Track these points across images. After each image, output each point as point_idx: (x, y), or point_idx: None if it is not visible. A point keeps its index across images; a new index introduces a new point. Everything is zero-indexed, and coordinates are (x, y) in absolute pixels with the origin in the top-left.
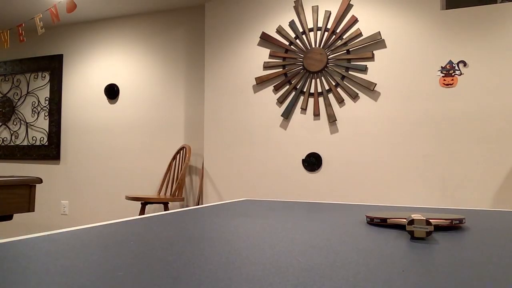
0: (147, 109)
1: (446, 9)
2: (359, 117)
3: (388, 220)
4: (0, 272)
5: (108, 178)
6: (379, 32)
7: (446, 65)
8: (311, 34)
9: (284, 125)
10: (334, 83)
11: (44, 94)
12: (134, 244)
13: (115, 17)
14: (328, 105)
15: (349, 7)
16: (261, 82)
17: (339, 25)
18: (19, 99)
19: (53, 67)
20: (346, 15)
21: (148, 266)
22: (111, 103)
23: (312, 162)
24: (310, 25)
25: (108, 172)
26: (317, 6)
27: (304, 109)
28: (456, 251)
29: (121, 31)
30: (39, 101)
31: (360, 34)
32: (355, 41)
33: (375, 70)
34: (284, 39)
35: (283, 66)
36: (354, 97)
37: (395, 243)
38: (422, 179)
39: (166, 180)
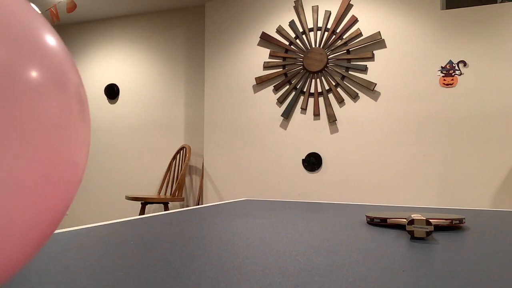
0: (147, 109)
1: (446, 9)
2: (359, 117)
3: (388, 220)
4: None
5: (108, 178)
6: (379, 32)
7: (446, 65)
8: (311, 34)
9: (284, 125)
10: (334, 83)
11: None
12: (134, 244)
13: (115, 17)
14: (328, 105)
15: (349, 7)
16: (261, 82)
17: (339, 25)
18: None
19: None
20: (346, 15)
21: (148, 266)
22: (111, 103)
23: (312, 162)
24: (310, 25)
25: (108, 172)
26: (317, 6)
27: (304, 109)
28: (456, 251)
29: (121, 31)
30: None
31: (360, 34)
32: (355, 41)
33: (375, 70)
34: (284, 39)
35: (283, 66)
36: (354, 97)
37: (395, 243)
38: (422, 179)
39: (166, 180)
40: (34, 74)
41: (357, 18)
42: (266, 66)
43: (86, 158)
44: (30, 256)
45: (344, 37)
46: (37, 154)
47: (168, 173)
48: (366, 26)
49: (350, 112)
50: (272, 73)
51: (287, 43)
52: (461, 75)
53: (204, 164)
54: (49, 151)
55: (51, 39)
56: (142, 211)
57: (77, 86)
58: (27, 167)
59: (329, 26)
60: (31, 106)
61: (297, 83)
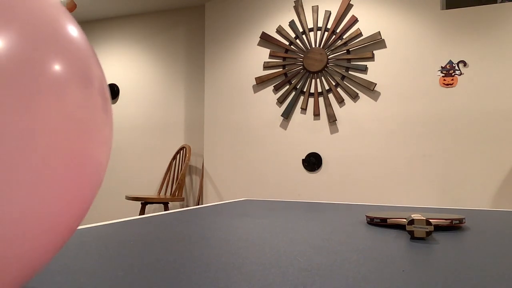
0: (147, 109)
1: (446, 9)
2: (359, 117)
3: (388, 220)
4: None
5: (108, 178)
6: (379, 32)
7: (446, 65)
8: (311, 34)
9: (284, 125)
10: (334, 83)
11: None
12: (134, 244)
13: (115, 17)
14: (328, 105)
15: (349, 7)
16: (261, 82)
17: (339, 25)
18: None
19: None
20: (346, 15)
21: (148, 266)
22: (111, 103)
23: (312, 162)
24: (310, 25)
25: (108, 172)
26: (317, 6)
27: (304, 109)
28: (456, 251)
29: (121, 31)
30: None
31: (360, 34)
32: (355, 41)
33: (375, 70)
34: (284, 39)
35: (283, 66)
36: (354, 97)
37: (395, 243)
38: (422, 179)
39: (166, 180)
40: (57, 66)
41: (357, 18)
42: (266, 66)
43: (108, 157)
44: (51, 255)
45: (344, 37)
46: (59, 152)
47: (168, 173)
48: (366, 26)
49: (350, 112)
50: (272, 73)
51: (287, 43)
52: (461, 75)
53: (204, 164)
54: (72, 149)
55: (74, 31)
56: (142, 211)
57: (101, 81)
58: (49, 166)
59: (329, 26)
60: (54, 101)
61: (297, 83)
